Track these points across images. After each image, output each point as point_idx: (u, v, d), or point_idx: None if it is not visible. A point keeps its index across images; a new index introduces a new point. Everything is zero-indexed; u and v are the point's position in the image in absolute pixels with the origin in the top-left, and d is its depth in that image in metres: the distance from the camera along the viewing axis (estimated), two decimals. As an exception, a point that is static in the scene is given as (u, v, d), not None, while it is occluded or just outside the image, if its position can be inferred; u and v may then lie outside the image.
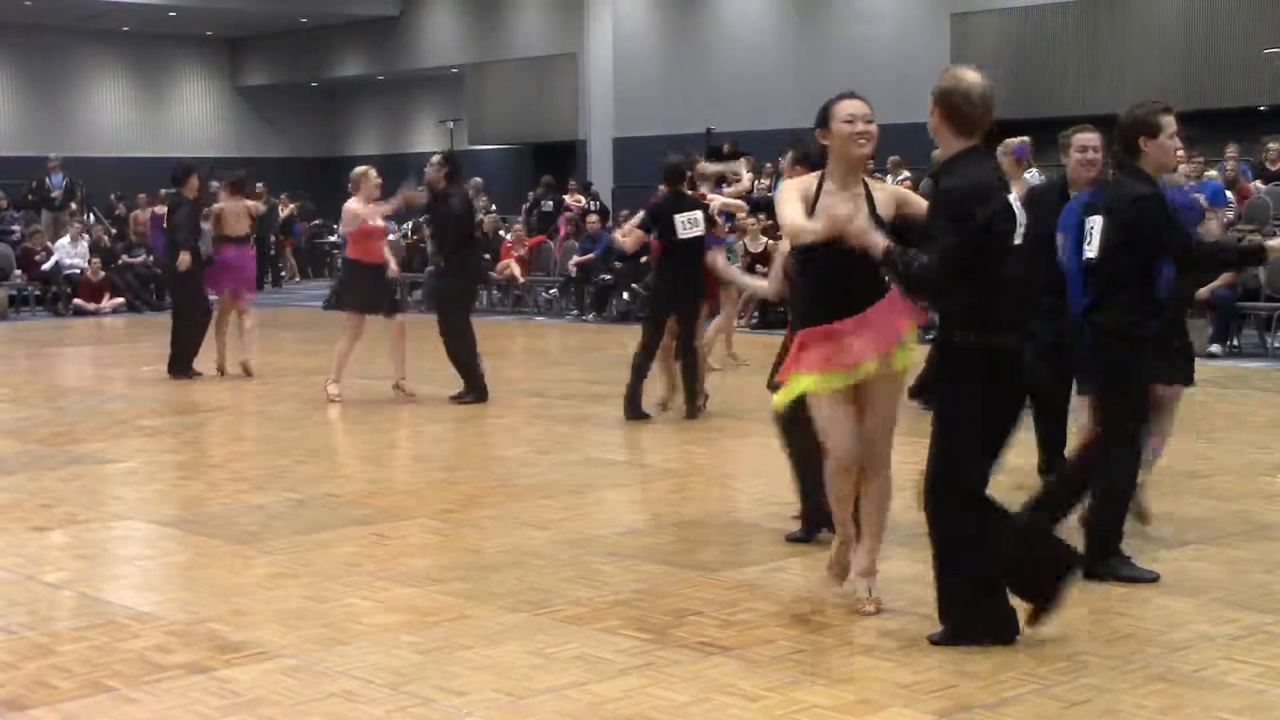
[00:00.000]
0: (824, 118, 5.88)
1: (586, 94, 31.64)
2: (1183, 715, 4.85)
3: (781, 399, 6.19)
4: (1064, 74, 25.15)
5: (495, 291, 23.27)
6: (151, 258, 24.24)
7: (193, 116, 39.81)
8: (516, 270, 22.88)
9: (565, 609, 6.16)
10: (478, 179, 26.33)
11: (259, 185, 27.96)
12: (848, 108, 5.83)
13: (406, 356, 12.78)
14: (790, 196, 5.86)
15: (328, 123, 41.42)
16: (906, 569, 6.55)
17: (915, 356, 5.94)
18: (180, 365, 14.29)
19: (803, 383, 5.92)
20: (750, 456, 10.03)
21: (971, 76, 5.39)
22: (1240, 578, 6.45)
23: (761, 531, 7.55)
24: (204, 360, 14.37)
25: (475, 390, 12.40)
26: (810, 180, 5.93)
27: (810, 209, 5.79)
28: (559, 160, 32.73)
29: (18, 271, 23.74)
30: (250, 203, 14.97)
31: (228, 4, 34.88)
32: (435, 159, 12.84)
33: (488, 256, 23.08)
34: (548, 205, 26.52)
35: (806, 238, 5.68)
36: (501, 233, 24.40)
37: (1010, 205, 5.37)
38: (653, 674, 5.30)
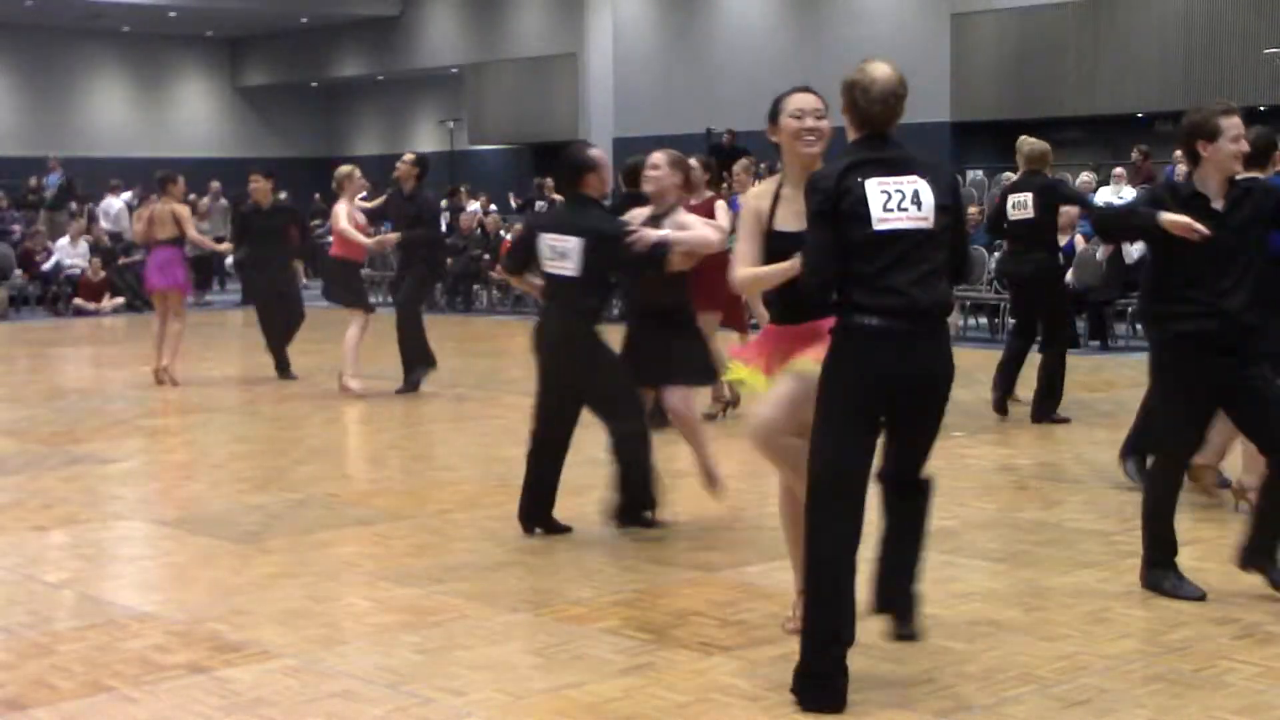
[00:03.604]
0: (774, 112, 5.50)
1: (586, 94, 31.64)
2: (1183, 715, 4.85)
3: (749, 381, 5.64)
4: (1064, 74, 25.15)
5: (495, 291, 23.25)
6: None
7: (193, 116, 39.85)
8: (517, 270, 22.84)
9: (565, 609, 6.16)
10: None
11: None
12: (795, 102, 5.45)
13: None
14: (744, 236, 5.45)
15: (328, 123, 41.44)
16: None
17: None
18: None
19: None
20: (750, 456, 10.01)
21: (878, 71, 5.02)
22: (1240, 578, 6.44)
23: (761, 531, 7.54)
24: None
25: (413, 383, 12.96)
26: (768, 188, 5.51)
27: (768, 221, 5.43)
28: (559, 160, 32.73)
29: (18, 271, 23.75)
30: (177, 205, 14.14)
31: (228, 4, 34.90)
32: (408, 158, 13.00)
33: (486, 256, 23.08)
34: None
35: (766, 285, 5.45)
36: (502, 232, 24.39)
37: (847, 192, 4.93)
38: (653, 674, 5.30)
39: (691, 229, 7.38)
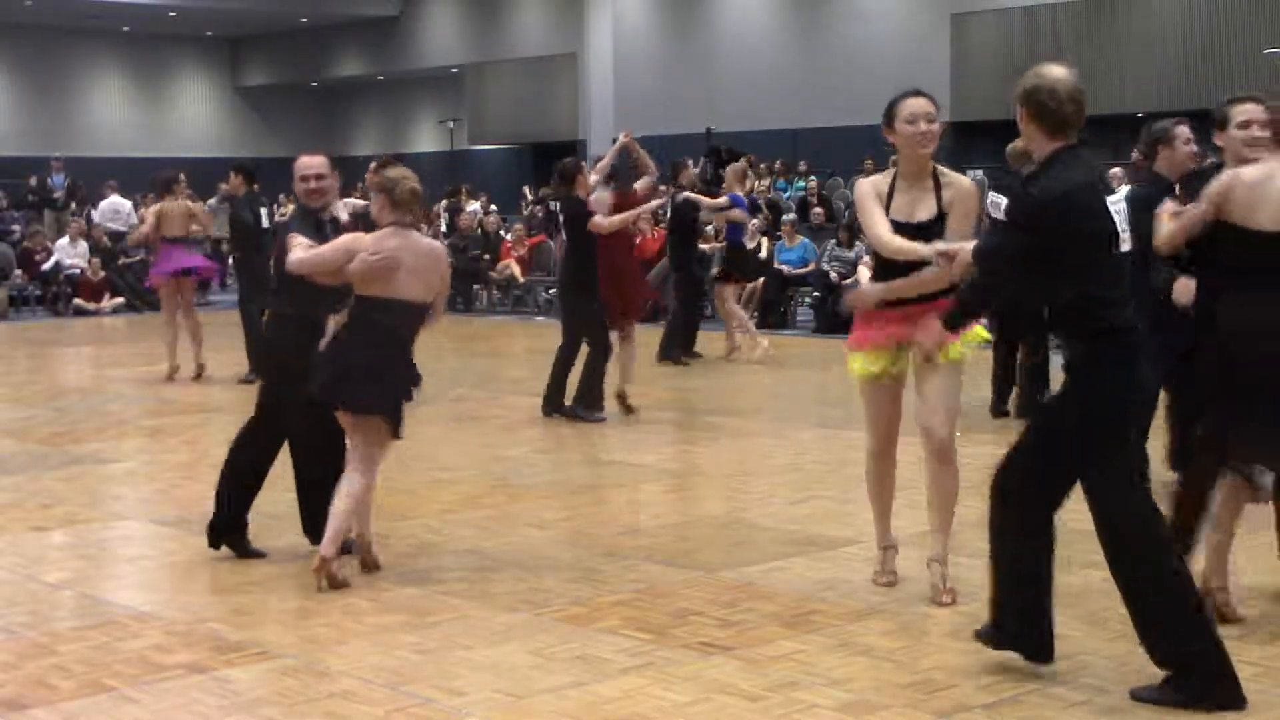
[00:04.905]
0: (889, 117, 5.79)
1: (586, 94, 31.64)
2: (1183, 715, 4.85)
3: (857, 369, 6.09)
4: (1064, 74, 25.16)
5: (495, 291, 23.27)
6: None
7: (193, 116, 39.84)
8: (516, 270, 22.87)
9: (565, 609, 6.16)
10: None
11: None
12: (908, 107, 5.73)
13: None
14: (872, 205, 5.80)
15: (328, 123, 41.42)
16: (911, 569, 6.55)
17: (970, 350, 5.98)
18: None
19: (854, 364, 6.04)
20: (750, 456, 10.02)
21: (1057, 72, 4.91)
22: (1239, 578, 6.43)
23: (761, 531, 7.54)
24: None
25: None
26: (883, 179, 5.88)
27: (885, 208, 5.79)
28: (559, 160, 32.74)
29: (18, 271, 23.75)
30: (192, 205, 14.49)
31: (228, 4, 34.90)
32: (374, 164, 12.96)
33: (486, 256, 23.10)
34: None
35: (904, 257, 5.65)
36: (502, 232, 24.40)
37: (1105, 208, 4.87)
38: (653, 674, 5.30)
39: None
